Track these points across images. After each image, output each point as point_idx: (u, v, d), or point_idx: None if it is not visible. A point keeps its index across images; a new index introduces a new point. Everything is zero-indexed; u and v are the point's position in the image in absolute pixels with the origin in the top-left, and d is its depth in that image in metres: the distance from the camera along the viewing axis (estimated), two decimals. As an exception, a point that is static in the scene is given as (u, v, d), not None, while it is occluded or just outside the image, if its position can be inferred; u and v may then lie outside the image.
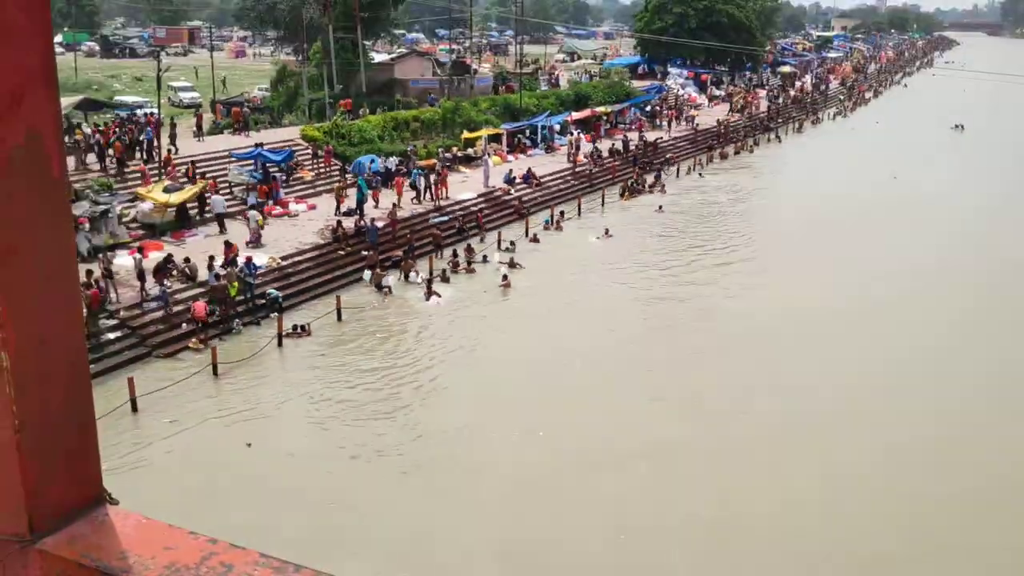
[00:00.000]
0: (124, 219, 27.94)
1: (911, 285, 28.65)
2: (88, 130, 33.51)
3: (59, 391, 1.33)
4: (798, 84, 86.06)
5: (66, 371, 1.35)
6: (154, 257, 25.09)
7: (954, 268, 31.48)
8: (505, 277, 27.95)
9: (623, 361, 22.19)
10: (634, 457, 17.29)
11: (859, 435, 18.52)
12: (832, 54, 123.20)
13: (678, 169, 48.52)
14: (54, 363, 1.31)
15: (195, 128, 40.01)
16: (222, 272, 23.88)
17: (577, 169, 43.69)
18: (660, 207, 39.28)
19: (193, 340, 22.15)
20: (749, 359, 22.35)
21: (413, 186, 35.13)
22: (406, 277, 27.98)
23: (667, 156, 49.90)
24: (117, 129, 34.76)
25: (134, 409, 18.68)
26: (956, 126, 66.96)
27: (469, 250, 30.52)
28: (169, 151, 33.78)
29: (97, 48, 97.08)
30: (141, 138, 34.03)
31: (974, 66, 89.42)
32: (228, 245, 25.20)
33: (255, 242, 27.85)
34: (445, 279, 27.68)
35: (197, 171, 32.15)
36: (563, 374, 21.34)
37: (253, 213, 29.27)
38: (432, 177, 35.65)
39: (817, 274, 30.10)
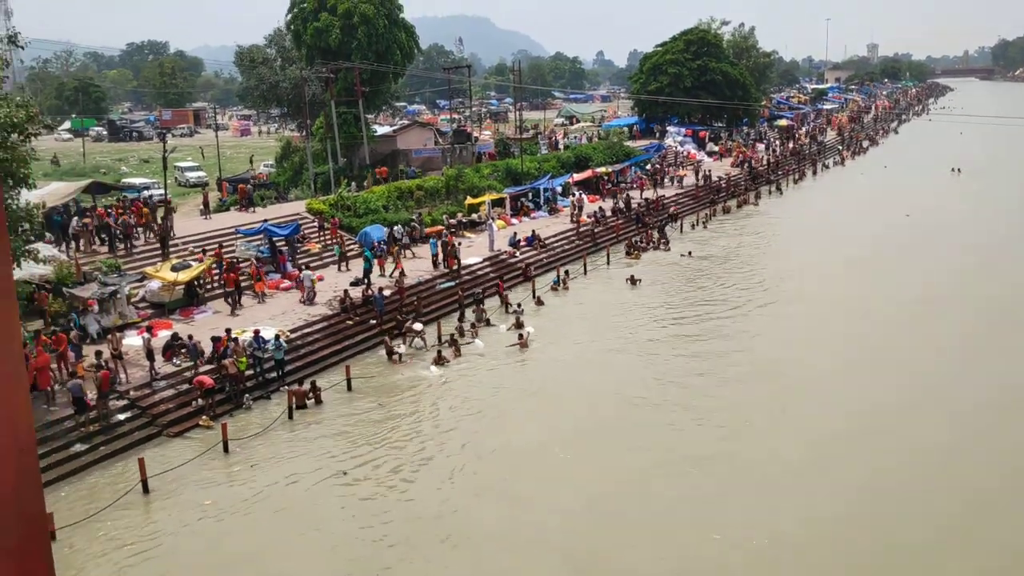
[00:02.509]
0: (132, 299, 28.09)
1: (950, 307, 31.89)
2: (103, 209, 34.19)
3: (7, 479, 1.21)
4: (795, 136, 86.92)
5: (14, 459, 1.24)
6: (163, 336, 25.17)
7: (981, 292, 34.08)
8: (521, 336, 27.93)
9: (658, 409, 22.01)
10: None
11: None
12: (827, 105, 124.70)
13: (681, 225, 48.76)
14: (0, 450, 1.19)
15: (202, 206, 40.52)
16: (231, 347, 23.87)
17: (581, 229, 43.93)
18: (690, 252, 41.41)
19: (203, 418, 22.03)
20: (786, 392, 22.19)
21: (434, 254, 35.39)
22: (412, 342, 27.92)
23: (670, 212, 50.16)
24: (123, 210, 35.27)
25: (145, 491, 18.49)
26: (954, 169, 67.86)
27: (480, 309, 30.63)
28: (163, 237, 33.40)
29: (104, 132, 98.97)
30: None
31: (969, 110, 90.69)
32: (216, 340, 24.29)
33: (310, 301, 29.64)
34: (454, 344, 27.55)
35: (205, 249, 32.47)
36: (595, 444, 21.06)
37: (307, 273, 30.87)
38: (443, 244, 35.77)
39: (863, 303, 32.71)
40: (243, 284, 29.94)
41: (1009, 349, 26.96)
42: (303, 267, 32.42)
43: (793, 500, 17.71)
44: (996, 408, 22.28)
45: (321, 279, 32.93)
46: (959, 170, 67.34)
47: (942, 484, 18.41)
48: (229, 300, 28.96)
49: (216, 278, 30.66)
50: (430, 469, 19.59)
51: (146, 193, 42.93)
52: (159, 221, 34.27)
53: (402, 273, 32.80)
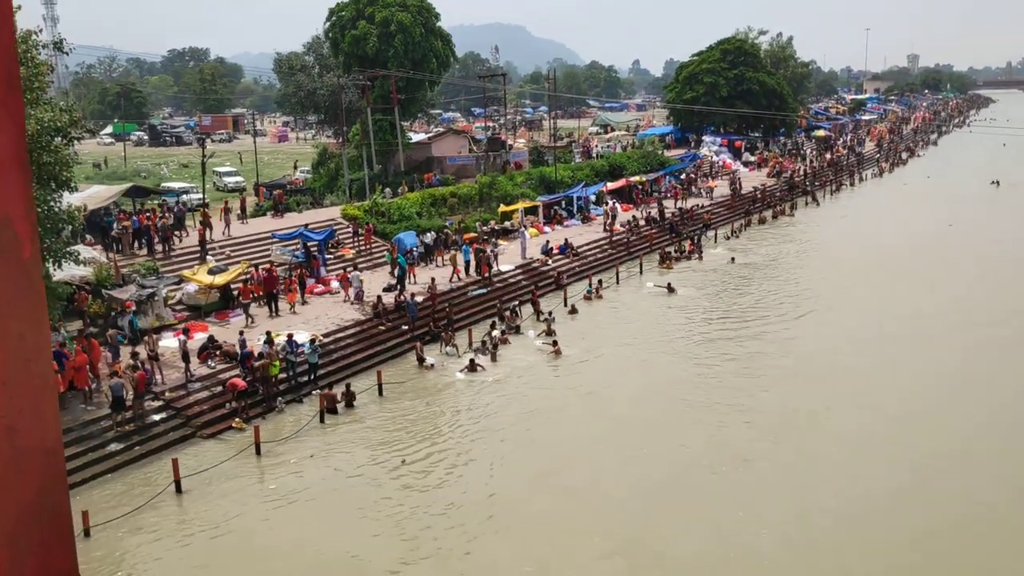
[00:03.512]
0: (170, 301, 28.51)
1: (992, 315, 31.93)
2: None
3: (31, 480, 1.25)
4: (833, 147, 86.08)
5: (40, 460, 1.27)
6: (199, 338, 25.50)
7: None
8: (555, 343, 27.99)
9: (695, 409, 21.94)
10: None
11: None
12: (866, 116, 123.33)
13: (716, 234, 48.49)
14: (26, 452, 1.22)
15: (239, 211, 41.02)
16: (265, 351, 24.12)
17: (615, 238, 43.82)
18: (733, 259, 42.08)
19: (236, 420, 22.27)
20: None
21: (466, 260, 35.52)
22: (445, 348, 28.04)
23: (705, 222, 49.86)
24: (164, 213, 35.93)
25: (178, 491, 18.73)
26: (993, 182, 67.27)
27: (514, 315, 30.74)
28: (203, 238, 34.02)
29: (145, 137, 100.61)
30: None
31: (1012, 122, 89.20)
32: (246, 356, 24.21)
33: (358, 300, 30.43)
34: (486, 351, 27.59)
35: (241, 253, 32.87)
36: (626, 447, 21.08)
37: (355, 274, 31.77)
38: (478, 253, 35.84)
39: (907, 309, 33.20)
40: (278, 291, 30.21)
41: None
42: (353, 267, 33.53)
43: (830, 496, 18.12)
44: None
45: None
46: (998, 183, 66.63)
47: (982, 487, 18.25)
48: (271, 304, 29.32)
49: (249, 287, 30.51)
50: (471, 463, 20.09)
51: (185, 198, 43.58)
52: (174, 228, 34.63)
53: (433, 280, 32.90)
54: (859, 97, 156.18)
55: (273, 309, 29.13)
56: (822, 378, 25.58)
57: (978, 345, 28.33)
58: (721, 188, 59.64)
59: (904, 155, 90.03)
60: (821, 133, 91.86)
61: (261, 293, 29.57)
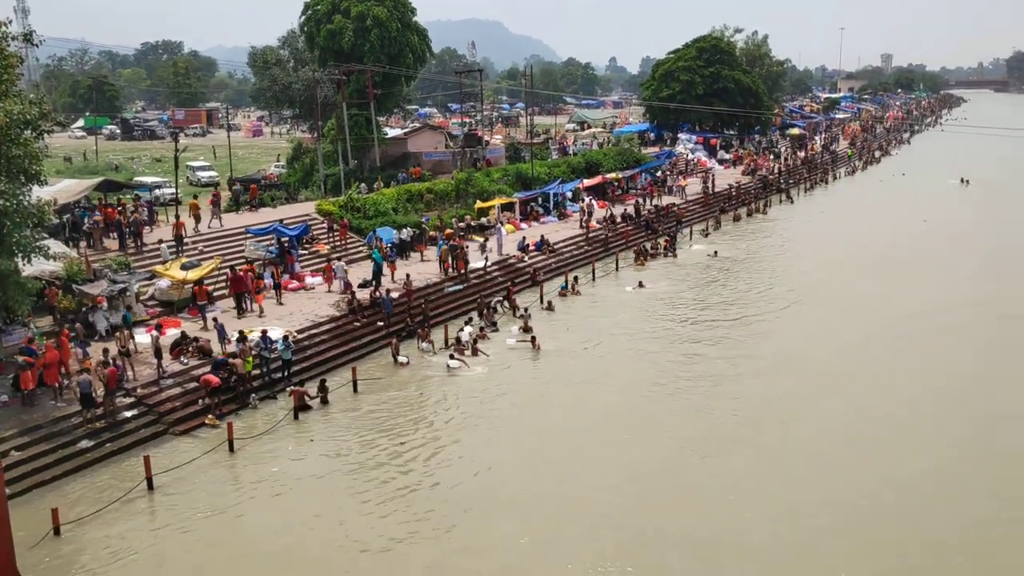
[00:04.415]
0: (142, 297, 28.20)
1: (966, 309, 33.16)
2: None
3: None
4: (807, 145, 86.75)
5: None
6: (171, 334, 25.25)
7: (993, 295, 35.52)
8: (533, 339, 28.05)
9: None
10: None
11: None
12: (840, 115, 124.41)
13: (691, 231, 48.74)
14: None
15: (212, 206, 40.55)
16: (238, 347, 23.94)
17: (591, 235, 43.92)
18: (715, 252, 42.98)
19: (209, 416, 22.09)
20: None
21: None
22: (421, 344, 27.99)
23: (680, 220, 50.08)
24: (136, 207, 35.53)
25: (150, 488, 18.55)
26: (962, 180, 68.61)
27: (492, 311, 30.71)
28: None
29: (118, 131, 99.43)
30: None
31: (982, 122, 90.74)
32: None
33: (344, 290, 30.66)
34: (464, 348, 27.54)
35: (214, 248, 32.56)
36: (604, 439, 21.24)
37: (340, 264, 32.41)
38: (452, 247, 35.78)
39: (903, 293, 35.27)
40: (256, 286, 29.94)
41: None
42: (338, 257, 34.07)
43: (814, 482, 18.88)
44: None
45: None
46: (967, 181, 67.89)
47: (955, 481, 18.59)
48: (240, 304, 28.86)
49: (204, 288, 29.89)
50: (451, 455, 20.41)
51: (158, 192, 43.12)
52: (135, 222, 34.16)
53: (408, 276, 32.79)
54: (833, 96, 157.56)
55: (242, 309, 28.65)
56: (801, 370, 26.24)
57: (951, 334, 29.46)
58: (694, 186, 59.92)
59: (877, 153, 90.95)
60: (796, 131, 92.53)
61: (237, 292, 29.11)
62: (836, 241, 46.94)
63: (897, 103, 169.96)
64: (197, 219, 36.21)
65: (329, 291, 31.60)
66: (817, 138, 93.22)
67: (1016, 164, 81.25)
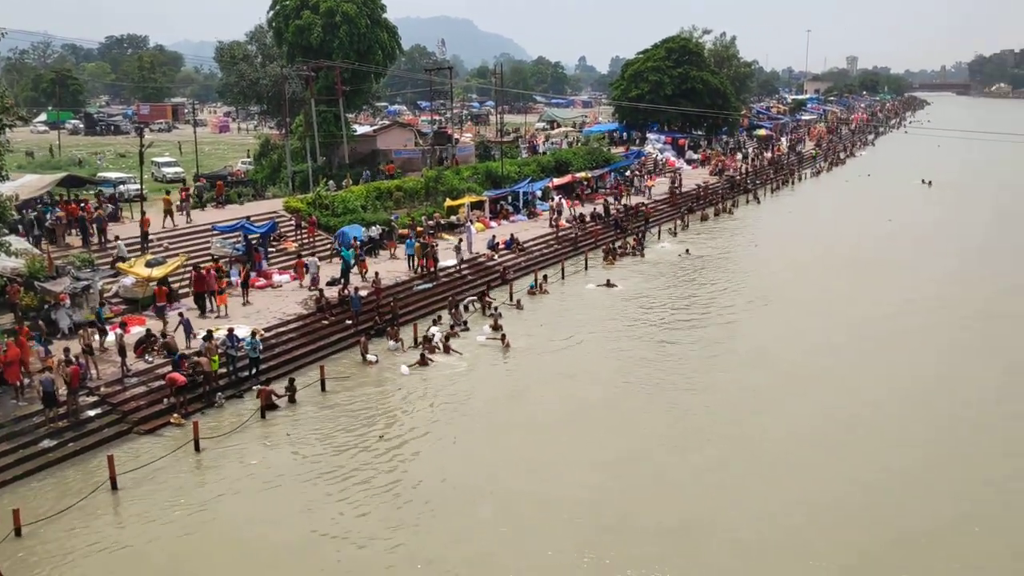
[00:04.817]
0: (106, 294, 27.80)
1: (928, 304, 34.57)
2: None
3: None
4: (774, 146, 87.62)
5: None
6: (136, 332, 24.93)
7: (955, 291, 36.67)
8: (503, 337, 28.08)
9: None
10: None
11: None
12: (806, 116, 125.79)
13: (659, 231, 49.03)
14: None
15: (180, 203, 40.11)
16: (204, 346, 23.69)
17: (560, 234, 44.03)
18: (688, 251, 43.46)
19: (175, 415, 21.85)
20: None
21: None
22: (393, 344, 27.89)
23: (648, 219, 50.37)
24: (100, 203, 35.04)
25: (114, 488, 18.30)
26: (924, 181, 69.78)
27: (461, 310, 30.65)
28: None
29: (81, 126, 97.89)
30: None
31: (945, 124, 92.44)
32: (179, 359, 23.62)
33: (314, 284, 31.03)
34: (435, 347, 27.47)
35: (180, 245, 32.21)
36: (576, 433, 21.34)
37: (312, 259, 32.61)
38: (419, 247, 35.67)
39: (868, 292, 36.14)
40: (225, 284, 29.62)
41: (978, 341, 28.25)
42: (310, 252, 34.40)
43: (777, 472, 19.62)
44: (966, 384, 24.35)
45: (296, 278, 32.84)
46: (929, 182, 69.06)
47: (920, 468, 19.10)
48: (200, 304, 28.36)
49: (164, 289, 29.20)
50: (420, 452, 20.47)
51: (123, 188, 42.54)
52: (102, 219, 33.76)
53: (377, 274, 32.68)
54: (800, 97, 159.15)
55: (204, 309, 28.17)
56: (770, 365, 26.77)
57: (915, 335, 30.12)
58: (661, 186, 60.24)
59: (843, 155, 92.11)
60: (762, 132, 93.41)
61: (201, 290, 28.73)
62: (803, 241, 47.53)
63: (862, 105, 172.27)
64: (169, 214, 35.87)
65: (302, 286, 31.55)
66: (783, 139, 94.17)
67: (976, 166, 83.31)
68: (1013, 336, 30.05)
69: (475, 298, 32.76)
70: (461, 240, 37.90)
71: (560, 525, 16.90)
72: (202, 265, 29.95)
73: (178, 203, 37.23)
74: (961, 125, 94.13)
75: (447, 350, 27.37)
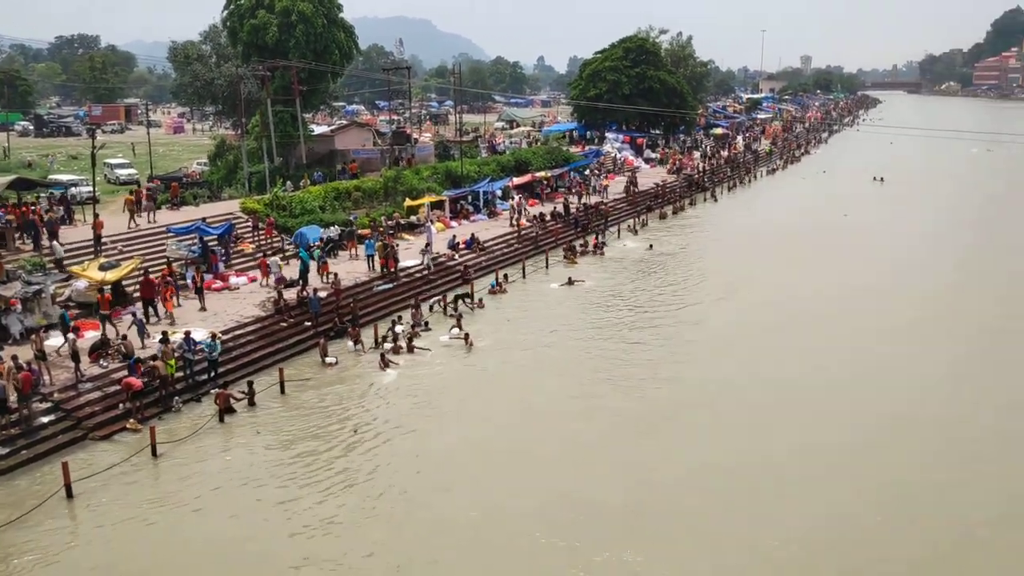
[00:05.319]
0: (58, 298, 27.25)
1: (883, 292, 36.02)
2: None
3: None
4: (730, 145, 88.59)
5: None
6: (90, 337, 24.47)
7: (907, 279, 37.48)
8: (467, 336, 28.05)
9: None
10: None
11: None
12: (761, 115, 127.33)
13: (618, 230, 49.31)
14: None
15: (134, 205, 39.44)
16: (160, 349, 23.32)
17: (522, 233, 44.08)
18: (651, 246, 44.37)
19: (131, 421, 21.48)
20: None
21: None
22: (354, 345, 27.71)
23: (607, 218, 50.63)
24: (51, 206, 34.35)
25: (69, 495, 17.95)
26: (876, 178, 71.34)
27: (417, 314, 30.48)
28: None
29: (31, 127, 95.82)
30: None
31: (897, 122, 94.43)
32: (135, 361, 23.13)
33: (280, 283, 30.97)
34: (397, 349, 27.34)
35: (134, 248, 31.69)
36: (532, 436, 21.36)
37: (275, 259, 32.86)
38: (380, 246, 35.46)
39: (824, 277, 38.03)
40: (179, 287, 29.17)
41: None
42: (272, 252, 34.72)
43: (744, 450, 20.47)
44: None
45: (254, 280, 32.52)
46: (881, 179, 70.53)
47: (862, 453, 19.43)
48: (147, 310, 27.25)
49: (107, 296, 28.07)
50: (388, 448, 20.50)
51: (75, 191, 41.74)
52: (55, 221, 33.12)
53: (336, 275, 32.42)
54: (755, 96, 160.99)
55: (149, 316, 27.21)
56: (729, 352, 27.64)
57: (870, 317, 31.53)
58: (618, 185, 60.55)
59: (798, 153, 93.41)
60: (719, 131, 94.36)
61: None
62: (762, 237, 48.09)
63: (816, 104, 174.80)
64: (133, 214, 35.41)
65: (263, 286, 31.46)
66: (740, 138, 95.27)
67: (925, 163, 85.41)
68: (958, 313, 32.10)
69: (438, 299, 32.63)
70: (429, 245, 37.63)
71: (531, 511, 17.30)
72: (151, 270, 29.33)
73: (147, 203, 36.86)
74: (912, 123, 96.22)
75: (411, 349, 27.27)
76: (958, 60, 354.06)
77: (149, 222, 36.15)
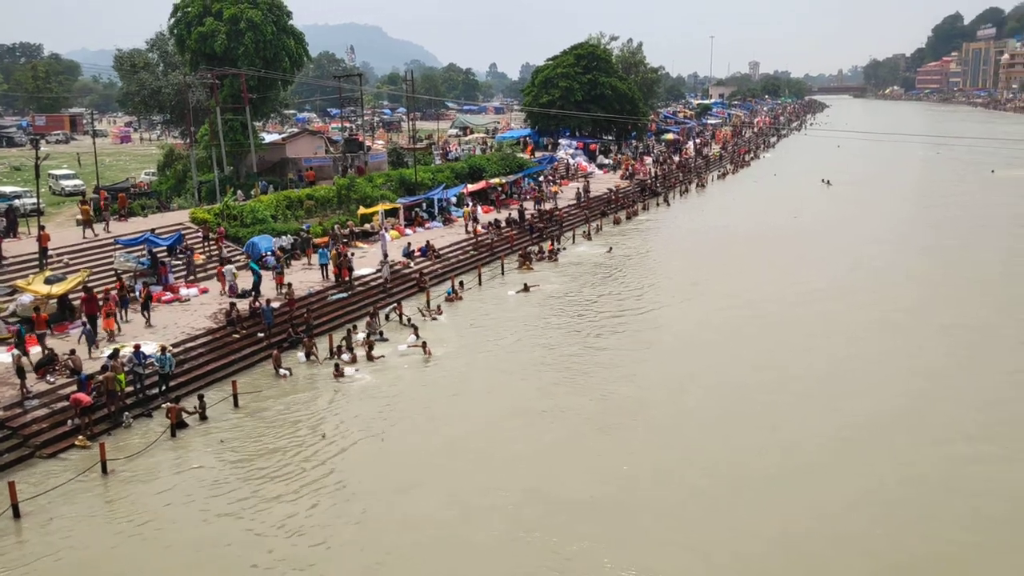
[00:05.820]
0: (2, 313, 26.55)
1: (834, 290, 36.86)
2: None
3: None
4: (682, 150, 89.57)
5: None
6: (35, 352, 23.87)
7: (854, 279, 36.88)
8: (424, 344, 27.99)
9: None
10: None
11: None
12: (712, 120, 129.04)
13: (573, 235, 49.55)
14: None
15: (80, 216, 38.65)
16: (109, 363, 22.84)
17: (479, 239, 44.04)
18: (610, 248, 45.16)
19: (80, 437, 20.99)
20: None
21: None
22: (308, 356, 27.43)
23: (562, 224, 50.84)
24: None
25: (16, 515, 17.47)
26: (824, 180, 72.78)
27: (372, 322, 30.25)
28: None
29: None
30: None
31: (843, 126, 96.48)
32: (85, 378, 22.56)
33: (232, 293, 31.08)
34: (352, 359, 27.10)
35: (81, 261, 31.01)
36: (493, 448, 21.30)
37: (230, 267, 32.25)
38: (335, 254, 35.14)
39: (781, 273, 39.60)
40: (127, 300, 28.58)
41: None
42: (228, 260, 34.13)
43: (706, 446, 21.01)
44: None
45: (206, 291, 32.05)
46: (829, 182, 72.03)
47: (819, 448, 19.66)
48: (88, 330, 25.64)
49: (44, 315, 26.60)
50: (350, 454, 20.46)
51: (18, 203, 40.72)
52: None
53: (290, 285, 32.07)
54: (705, 102, 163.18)
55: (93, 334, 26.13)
56: (686, 351, 28.14)
57: (824, 315, 32.25)
58: (570, 191, 60.83)
59: (747, 157, 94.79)
60: (670, 136, 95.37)
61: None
62: (715, 240, 48.72)
63: (765, 108, 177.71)
64: (88, 224, 34.96)
65: (221, 293, 31.44)
66: (690, 143, 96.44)
67: (870, 166, 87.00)
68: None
69: (393, 307, 32.44)
70: (387, 255, 37.35)
71: (498, 507, 17.63)
72: (99, 284, 28.69)
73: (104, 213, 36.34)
74: (857, 126, 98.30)
75: (370, 358, 27.09)
76: (901, 65, 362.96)
77: (96, 234, 35.41)
